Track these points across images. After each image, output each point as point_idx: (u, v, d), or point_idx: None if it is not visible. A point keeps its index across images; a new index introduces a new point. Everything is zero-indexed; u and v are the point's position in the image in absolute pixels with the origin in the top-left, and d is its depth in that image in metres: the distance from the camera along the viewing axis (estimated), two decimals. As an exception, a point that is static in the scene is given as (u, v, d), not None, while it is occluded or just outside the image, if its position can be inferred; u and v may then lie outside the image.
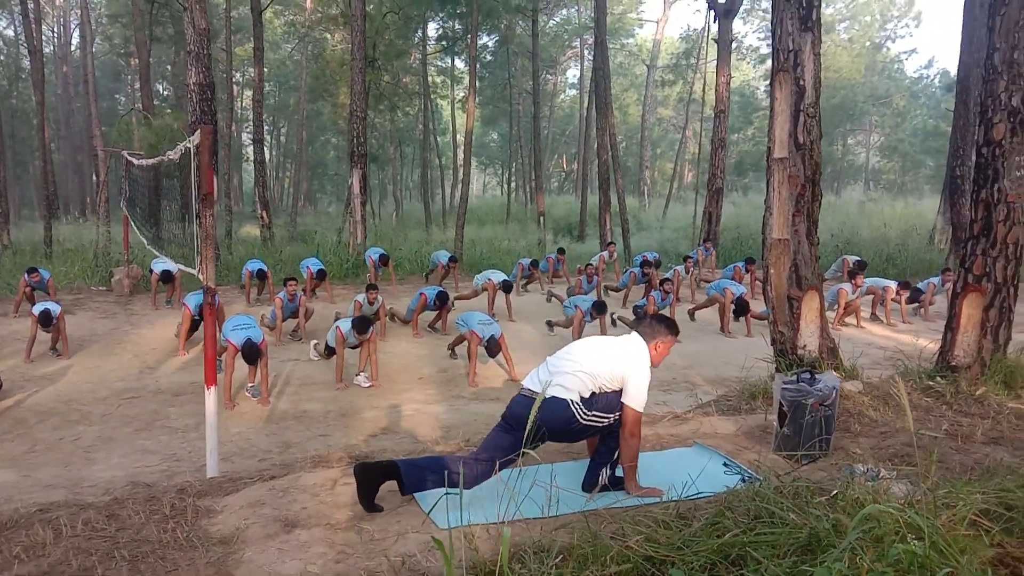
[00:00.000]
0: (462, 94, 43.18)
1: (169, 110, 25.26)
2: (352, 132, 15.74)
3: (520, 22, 30.95)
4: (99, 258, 14.39)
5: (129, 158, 11.64)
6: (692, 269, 14.05)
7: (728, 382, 8.35)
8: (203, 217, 4.59)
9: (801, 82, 5.14)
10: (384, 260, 13.83)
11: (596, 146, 24.62)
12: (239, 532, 3.23)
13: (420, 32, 30.65)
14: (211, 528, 3.31)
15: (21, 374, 8.31)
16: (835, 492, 3.03)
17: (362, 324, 8.02)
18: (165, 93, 38.90)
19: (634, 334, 3.75)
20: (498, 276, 11.94)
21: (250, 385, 7.65)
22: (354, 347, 8.30)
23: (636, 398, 3.55)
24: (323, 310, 11.64)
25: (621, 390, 3.58)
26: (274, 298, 10.56)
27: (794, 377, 4.15)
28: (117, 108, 40.96)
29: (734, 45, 44.92)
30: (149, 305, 12.16)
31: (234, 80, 32.88)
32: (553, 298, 13.44)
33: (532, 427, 3.59)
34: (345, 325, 8.09)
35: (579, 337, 9.59)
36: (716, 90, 18.65)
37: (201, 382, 8.08)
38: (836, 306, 11.35)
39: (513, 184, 46.39)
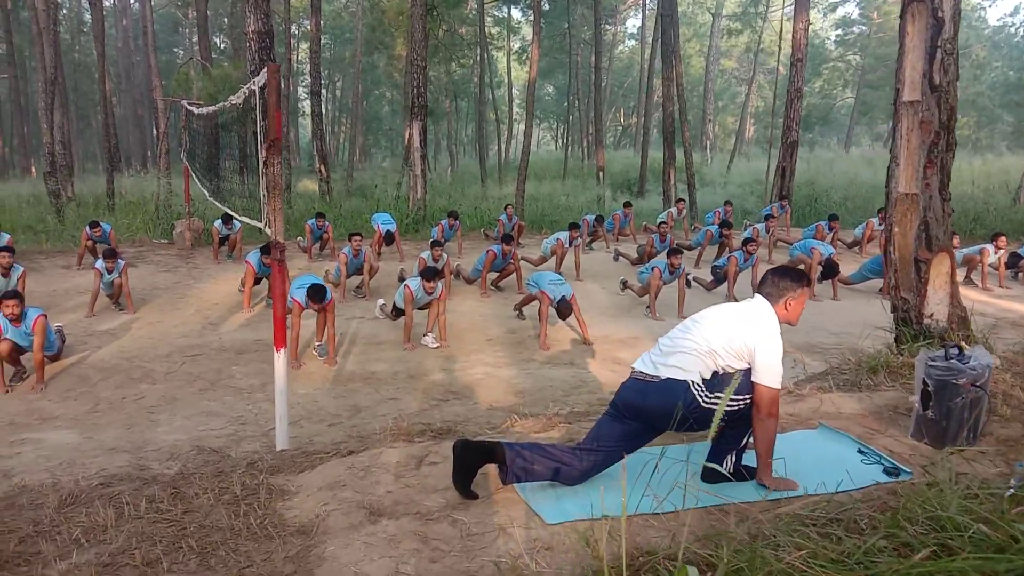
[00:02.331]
0: (518, 45, 42.29)
1: (226, 62, 25.07)
2: (412, 83, 15.24)
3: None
4: (160, 211, 14.27)
5: (188, 107, 11.36)
6: (772, 228, 13.29)
7: (823, 350, 7.81)
8: (270, 165, 4.18)
9: (939, 13, 4.48)
10: (390, 238, 12.12)
11: (661, 98, 23.76)
12: (319, 520, 2.86)
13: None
14: (287, 513, 2.94)
15: (84, 328, 8.15)
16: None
17: (431, 273, 7.65)
18: (222, 46, 38.82)
19: (757, 297, 3.24)
20: (566, 235, 11.44)
21: (317, 344, 7.35)
22: (422, 308, 7.93)
23: (769, 373, 3.04)
24: (387, 267, 11.31)
25: (749, 368, 3.08)
26: (338, 254, 10.25)
27: (942, 352, 3.60)
28: (176, 61, 41.09)
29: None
30: (211, 259, 11.99)
31: (291, 33, 32.50)
32: (621, 257, 12.90)
33: (649, 413, 3.17)
34: (414, 283, 7.71)
35: (655, 300, 9.10)
36: (793, 37, 17.59)
37: (266, 340, 7.84)
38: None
39: (568, 139, 45.45)
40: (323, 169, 20.43)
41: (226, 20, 39.18)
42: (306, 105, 41.74)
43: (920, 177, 4.61)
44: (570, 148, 39.35)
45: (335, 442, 4.08)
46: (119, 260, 8.66)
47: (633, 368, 3.26)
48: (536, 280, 8.16)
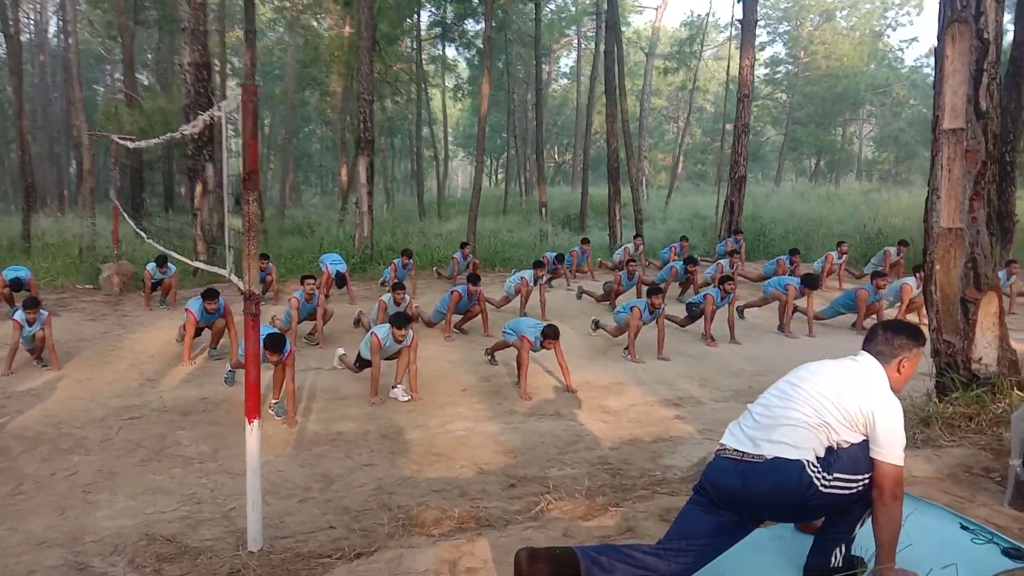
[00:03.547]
0: (453, 83, 42.05)
1: (148, 98, 23.95)
2: (359, 117, 14.60)
3: (520, 5, 29.83)
4: (84, 253, 13.17)
5: (120, 142, 10.47)
6: (736, 263, 13.00)
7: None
8: (245, 203, 3.50)
9: (984, 35, 4.13)
10: (341, 280, 11.30)
11: (600, 134, 23.67)
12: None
13: (415, 17, 29.44)
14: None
15: (1, 390, 7.16)
16: None
17: (402, 320, 6.95)
18: (146, 81, 37.42)
19: (863, 355, 2.72)
20: (530, 274, 10.87)
21: (273, 402, 6.56)
22: (390, 358, 7.23)
23: (893, 447, 2.50)
24: (338, 310, 10.54)
25: (864, 440, 2.53)
26: (285, 298, 9.46)
27: (1045, 409, 3.14)
28: (95, 97, 39.39)
29: (734, 31, 44.08)
30: (142, 306, 11.00)
31: (225, 68, 31.50)
32: (584, 294, 12.41)
33: (754, 503, 2.59)
34: (382, 330, 7.01)
35: (634, 341, 8.57)
36: (740, 74, 17.64)
37: (212, 398, 7.01)
38: (899, 304, 10.37)
39: (501, 175, 45.05)
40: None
41: (149, 56, 37.88)
42: (234, 142, 40.53)
43: (965, 210, 4.21)
44: (508, 184, 39.10)
45: (334, 540, 3.38)
46: (41, 311, 7.70)
47: (723, 445, 2.68)
48: (514, 327, 7.55)
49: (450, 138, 49.29)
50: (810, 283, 9.79)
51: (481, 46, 35.40)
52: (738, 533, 2.62)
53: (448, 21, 32.03)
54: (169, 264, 10.74)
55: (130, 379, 7.58)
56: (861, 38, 42.75)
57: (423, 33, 32.03)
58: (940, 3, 4.39)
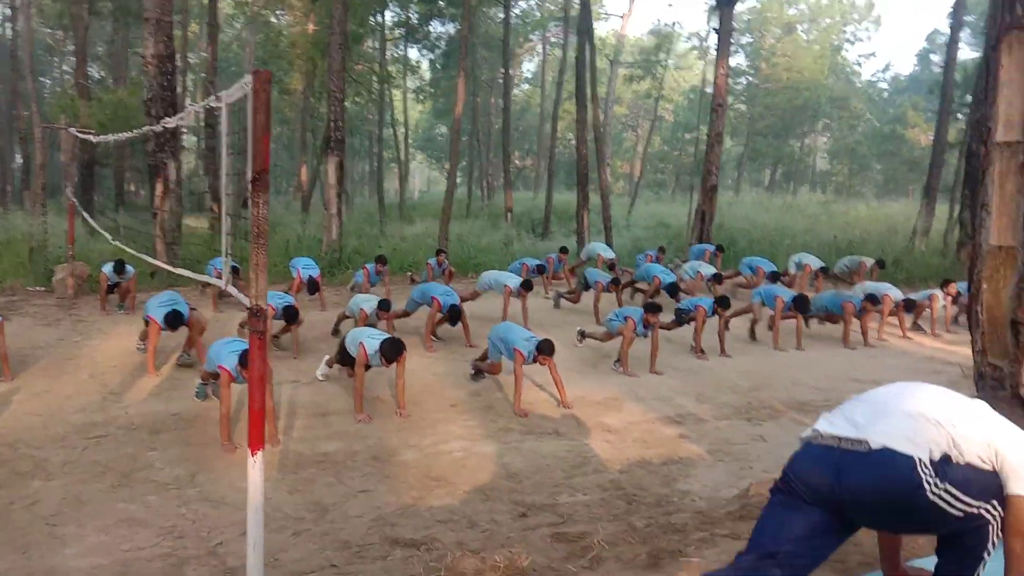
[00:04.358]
0: (416, 84, 41.50)
1: (104, 90, 22.98)
2: (329, 116, 14.08)
3: (485, 8, 29.52)
4: (35, 253, 12.42)
5: (80, 135, 9.83)
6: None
7: (815, 408, 7.17)
8: (255, 205, 3.06)
9: (1044, 40, 3.89)
10: (313, 285, 10.82)
11: (572, 140, 23.45)
12: None
13: (379, 17, 28.87)
14: None
15: (-52, 403, 6.56)
16: None
17: (393, 350, 6.49)
18: (97, 75, 36.14)
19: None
20: (510, 278, 10.50)
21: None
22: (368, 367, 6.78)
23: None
24: (313, 317, 10.04)
25: (986, 470, 2.22)
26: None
27: None
28: (42, 91, 37.92)
29: (702, 42, 44.37)
30: (97, 310, 10.37)
31: (186, 62, 30.54)
32: (562, 301, 12.11)
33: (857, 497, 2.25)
34: (371, 344, 6.57)
35: (627, 354, 8.23)
36: (715, 82, 17.53)
37: (184, 414, 6.48)
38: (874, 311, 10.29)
39: (461, 179, 44.53)
40: (216, 207, 18.85)
41: (100, 48, 36.59)
42: (188, 139, 39.40)
43: (1019, 227, 3.96)
44: (471, 189, 38.69)
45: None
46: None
47: (817, 431, 2.36)
48: (506, 338, 7.15)
49: (410, 140, 48.76)
50: (802, 307, 9.61)
51: (446, 48, 35.09)
52: (829, 538, 2.31)
53: (413, 22, 31.54)
54: (127, 267, 10.13)
55: (92, 392, 7.00)
56: (821, 51, 43.39)
57: (386, 33, 31.46)
58: (994, 10, 4.15)
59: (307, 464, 5.51)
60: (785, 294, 9.71)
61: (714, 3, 17.38)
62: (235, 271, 10.64)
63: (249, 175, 3.07)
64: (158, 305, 7.58)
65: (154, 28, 11.59)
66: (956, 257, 16.70)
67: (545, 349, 6.82)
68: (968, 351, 9.86)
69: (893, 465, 2.18)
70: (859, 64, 47.67)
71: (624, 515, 4.73)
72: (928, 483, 2.16)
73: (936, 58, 51.89)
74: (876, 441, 2.21)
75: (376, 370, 7.04)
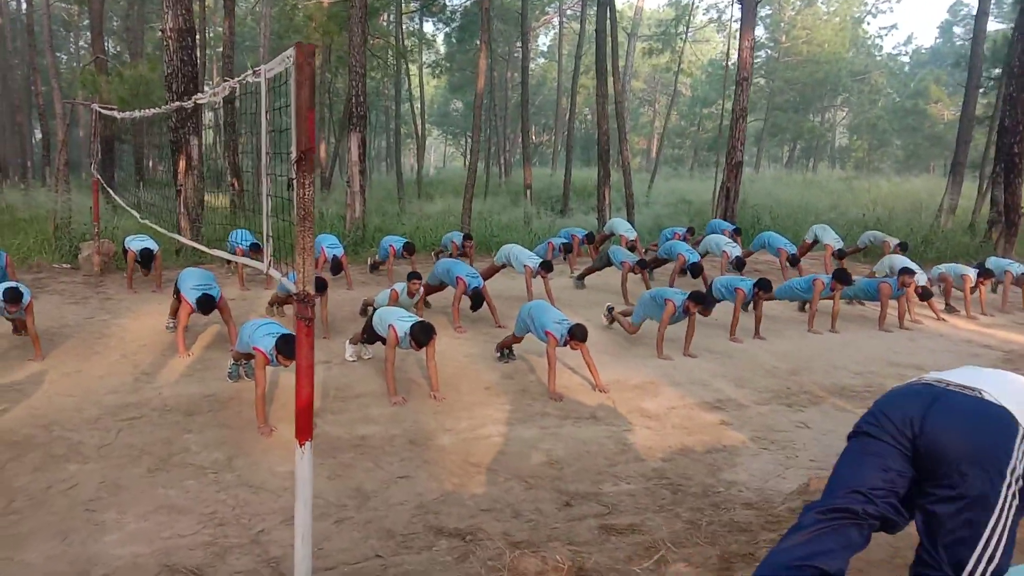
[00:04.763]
0: (432, 58, 41.10)
1: (125, 65, 22.85)
2: (351, 91, 13.89)
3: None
4: (60, 230, 12.37)
5: (103, 111, 9.71)
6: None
7: (856, 393, 7.03)
8: (301, 186, 2.93)
9: None
10: (337, 265, 10.72)
11: (596, 116, 23.03)
12: None
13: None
14: None
15: (-21, 383, 6.51)
16: None
17: (424, 334, 6.39)
18: (113, 51, 36.04)
19: None
20: (530, 258, 10.33)
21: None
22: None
23: None
24: (340, 297, 9.96)
25: None
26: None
27: None
28: (59, 66, 37.86)
29: (719, 14, 43.64)
30: (125, 287, 10.32)
31: (205, 36, 30.33)
32: (582, 283, 11.98)
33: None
34: (401, 327, 6.46)
35: (663, 340, 8.06)
36: (739, 55, 17.20)
37: (218, 395, 6.41)
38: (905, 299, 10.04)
39: (487, 155, 44.23)
40: (236, 183, 18.77)
41: (115, 23, 36.43)
42: (210, 115, 39.31)
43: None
44: (488, 165, 38.44)
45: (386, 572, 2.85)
46: (23, 296, 6.98)
47: (926, 379, 2.24)
48: (537, 319, 7.00)
49: (426, 116, 48.49)
50: (842, 279, 9.41)
51: (461, 21, 34.68)
52: (908, 483, 2.18)
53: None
54: (152, 250, 10.02)
55: (123, 372, 6.94)
56: (842, 24, 42.63)
57: (402, 7, 31.13)
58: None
59: (345, 448, 5.43)
60: (823, 277, 9.48)
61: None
62: (255, 248, 10.65)
63: (294, 155, 2.94)
64: (192, 287, 7.48)
65: (174, 1, 11.42)
66: (986, 236, 16.37)
67: (578, 334, 6.67)
68: (1005, 335, 9.72)
69: (1002, 425, 2.05)
70: (880, 37, 46.81)
71: (670, 505, 4.62)
72: (1019, 449, 2.03)
73: (959, 31, 50.97)
74: (991, 394, 2.09)
75: (406, 351, 6.95)
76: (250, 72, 3.42)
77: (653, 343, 8.31)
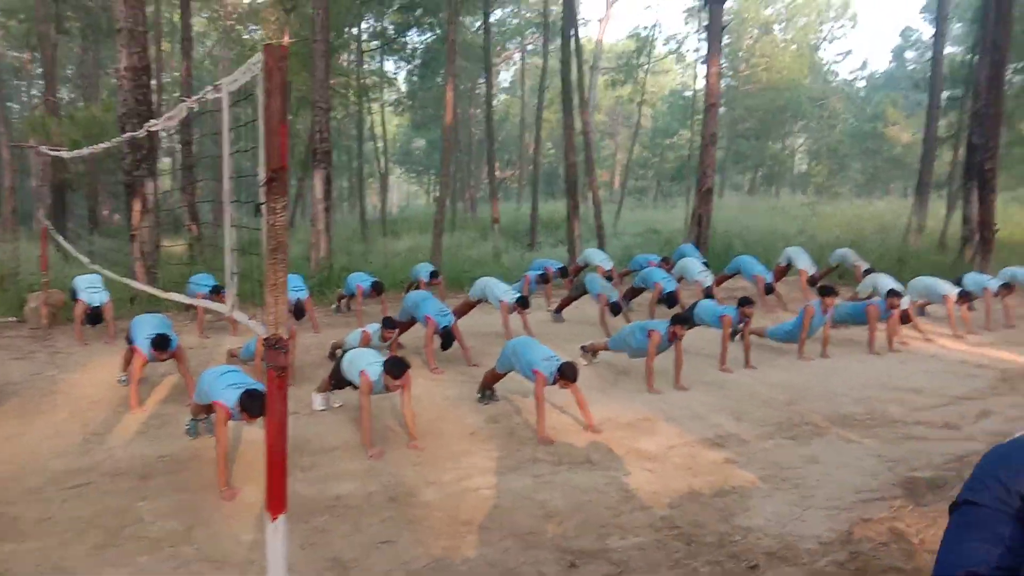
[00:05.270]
0: (393, 97, 40.86)
1: (78, 108, 22.20)
2: (314, 127, 13.45)
3: (462, 18, 28.99)
4: (6, 281, 11.67)
5: (49, 153, 9.16)
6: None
7: (859, 422, 6.67)
8: (272, 213, 2.47)
9: None
10: (300, 309, 10.01)
11: (560, 149, 22.97)
12: None
13: (357, 28, 28.33)
14: None
15: (-92, 452, 5.86)
16: None
17: (397, 367, 5.92)
18: (68, 97, 35.25)
19: None
20: (506, 292, 9.89)
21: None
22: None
23: None
24: (306, 341, 9.42)
25: None
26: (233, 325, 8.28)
27: None
28: (10, 116, 36.94)
29: (675, 45, 44.13)
30: (74, 340, 9.66)
31: (160, 80, 29.75)
32: (560, 316, 11.58)
33: None
34: (373, 371, 5.97)
35: (652, 370, 7.64)
36: (707, 81, 17.15)
37: (176, 455, 5.82)
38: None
39: (435, 192, 43.98)
40: (194, 226, 18.21)
41: (69, 71, 35.70)
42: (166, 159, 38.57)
43: None
44: (454, 201, 38.09)
45: None
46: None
47: None
48: (524, 356, 6.55)
49: (389, 154, 48.19)
50: (829, 293, 9.09)
51: (423, 58, 34.53)
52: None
53: (389, 33, 31.03)
54: (98, 299, 9.44)
55: (71, 433, 6.32)
56: (799, 51, 43.33)
57: (363, 46, 30.90)
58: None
59: (318, 510, 4.89)
60: (812, 303, 9.15)
61: (703, 2, 16.94)
62: (216, 290, 10.09)
63: (262, 175, 2.49)
64: (146, 335, 6.91)
65: (127, 39, 10.93)
66: (959, 254, 16.31)
67: (568, 373, 6.23)
68: (996, 353, 9.46)
69: None
70: (836, 63, 47.70)
71: (686, 559, 4.17)
72: None
73: (911, 54, 52.11)
74: None
75: (382, 396, 6.45)
76: (210, 88, 2.98)
77: (640, 375, 7.91)
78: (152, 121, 4.10)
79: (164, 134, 33.86)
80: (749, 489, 5.17)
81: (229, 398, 5.17)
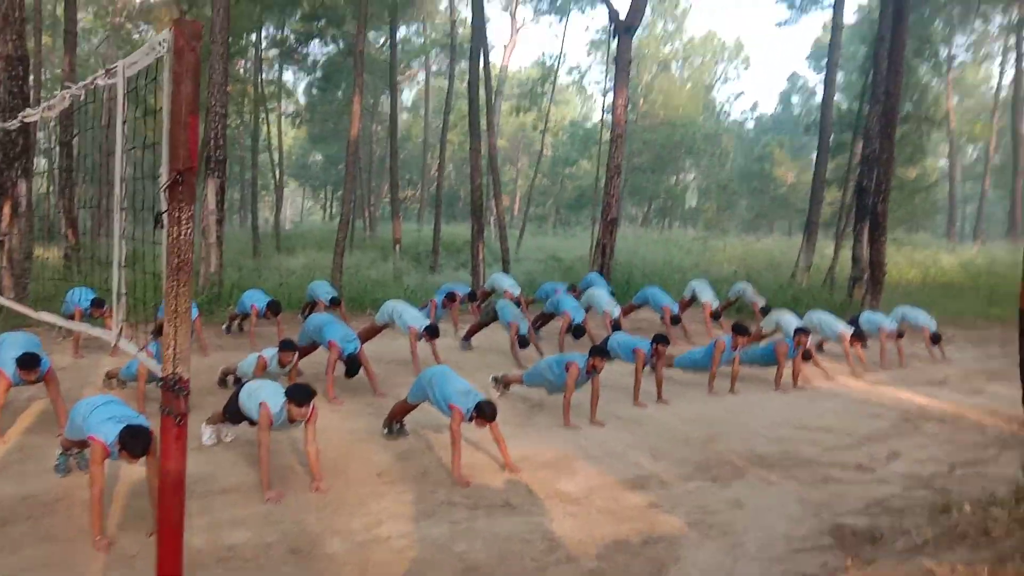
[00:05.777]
0: (291, 108, 39.71)
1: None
2: (208, 134, 12.63)
3: (372, 31, 28.48)
4: None
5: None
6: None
7: (774, 461, 6.57)
8: (172, 224, 2.01)
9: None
10: (275, 308, 10.13)
11: (463, 171, 22.73)
12: None
13: (256, 35, 27.32)
14: None
15: None
16: None
17: (301, 394, 5.43)
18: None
19: None
20: (416, 319, 9.44)
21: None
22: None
23: None
24: (194, 365, 8.64)
25: None
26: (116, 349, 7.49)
27: None
28: None
29: (578, 76, 44.86)
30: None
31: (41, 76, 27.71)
32: (469, 344, 11.21)
33: None
34: (275, 401, 5.43)
35: (569, 405, 7.36)
36: (614, 112, 17.24)
37: (40, 496, 5.07)
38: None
39: (332, 208, 42.96)
40: (72, 234, 16.90)
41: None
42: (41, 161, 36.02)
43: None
44: (351, 219, 37.17)
45: None
46: None
47: None
48: (440, 390, 6.13)
49: (284, 167, 46.76)
50: (743, 332, 9.10)
51: (325, 71, 33.64)
52: None
53: (291, 43, 30.12)
54: None
55: (-89, 470, 5.47)
56: (695, 89, 44.84)
57: (261, 54, 29.85)
58: None
59: (209, 564, 4.31)
60: (723, 338, 9.12)
61: (612, 32, 17.11)
62: (98, 304, 9.21)
63: (165, 177, 2.02)
64: (11, 356, 6.09)
65: (1, 24, 9.94)
66: (849, 295, 16.92)
67: (487, 412, 5.84)
68: (895, 393, 9.69)
69: None
70: (728, 103, 49.67)
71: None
72: None
73: (796, 99, 54.93)
74: None
75: (282, 432, 5.90)
76: (102, 72, 2.47)
77: (555, 409, 7.63)
78: (28, 110, 3.50)
79: (42, 133, 31.62)
80: (677, 537, 4.92)
81: (108, 433, 4.54)
